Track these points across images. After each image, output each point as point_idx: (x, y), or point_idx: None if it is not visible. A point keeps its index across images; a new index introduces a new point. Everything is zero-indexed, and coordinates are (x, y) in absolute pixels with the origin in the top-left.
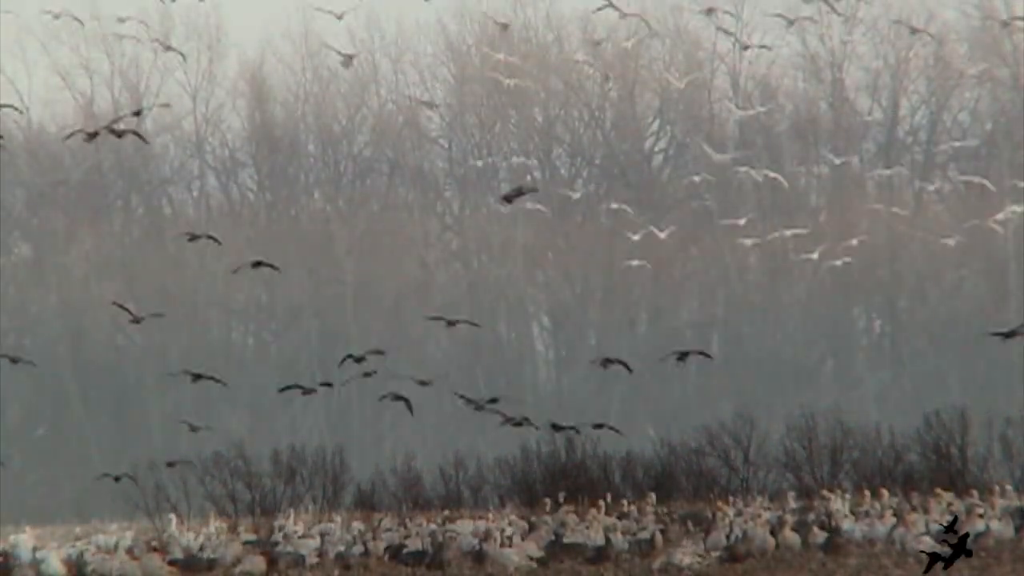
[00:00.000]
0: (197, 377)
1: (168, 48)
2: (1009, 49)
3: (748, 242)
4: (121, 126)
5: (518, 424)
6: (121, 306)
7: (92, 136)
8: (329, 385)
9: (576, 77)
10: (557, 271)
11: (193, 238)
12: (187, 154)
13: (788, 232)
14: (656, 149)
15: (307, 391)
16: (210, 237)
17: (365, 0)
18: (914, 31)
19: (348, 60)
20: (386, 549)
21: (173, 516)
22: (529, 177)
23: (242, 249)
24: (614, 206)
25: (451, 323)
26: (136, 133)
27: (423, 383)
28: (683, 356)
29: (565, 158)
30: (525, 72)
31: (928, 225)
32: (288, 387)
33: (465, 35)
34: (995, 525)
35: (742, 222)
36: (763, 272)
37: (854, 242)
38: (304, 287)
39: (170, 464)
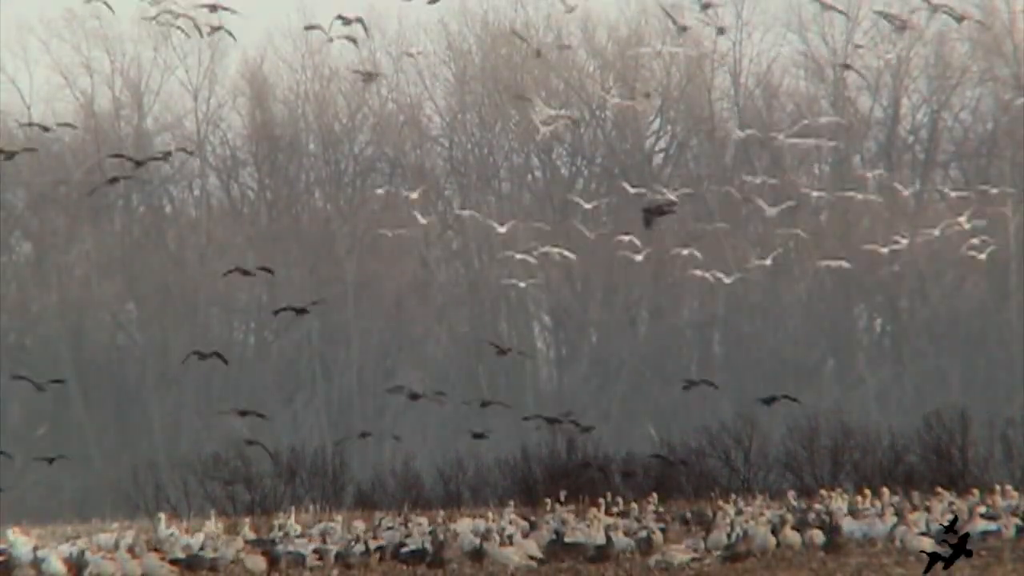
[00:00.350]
0: (244, 413)
1: (216, 29)
2: (1010, 48)
3: (638, 257)
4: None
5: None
6: (200, 353)
7: (113, 181)
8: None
9: (576, 76)
10: (558, 270)
11: (246, 273)
12: (188, 153)
13: (684, 251)
14: (657, 149)
15: (364, 434)
16: (264, 269)
17: None
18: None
19: (369, 77)
20: (378, 549)
21: (163, 516)
22: (530, 176)
23: (243, 248)
24: (624, 238)
25: (503, 352)
26: (157, 157)
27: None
28: (769, 401)
29: (566, 157)
30: (525, 70)
31: (929, 224)
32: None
33: (466, 34)
34: (1000, 525)
35: (626, 239)
36: (764, 271)
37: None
38: (305, 286)
39: (226, 482)
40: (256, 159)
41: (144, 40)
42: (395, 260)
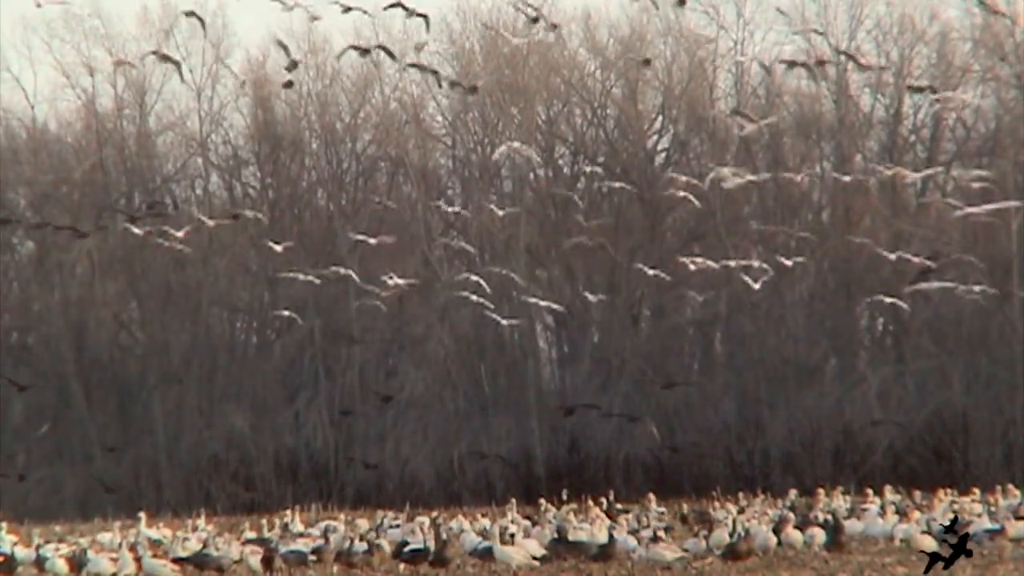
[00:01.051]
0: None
1: (294, 64)
2: (1012, 47)
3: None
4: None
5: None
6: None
7: (132, 221)
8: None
9: (578, 75)
10: (560, 269)
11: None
12: (190, 152)
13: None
14: (658, 148)
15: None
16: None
17: None
18: None
19: (466, 85)
20: (372, 545)
21: (142, 515)
22: (532, 175)
23: (245, 248)
24: (594, 297)
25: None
26: (163, 212)
27: None
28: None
29: (568, 156)
30: (527, 70)
31: (930, 223)
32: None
33: (468, 33)
34: (1003, 524)
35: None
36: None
37: None
38: (306, 285)
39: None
40: (258, 158)
41: (146, 39)
42: (397, 259)
